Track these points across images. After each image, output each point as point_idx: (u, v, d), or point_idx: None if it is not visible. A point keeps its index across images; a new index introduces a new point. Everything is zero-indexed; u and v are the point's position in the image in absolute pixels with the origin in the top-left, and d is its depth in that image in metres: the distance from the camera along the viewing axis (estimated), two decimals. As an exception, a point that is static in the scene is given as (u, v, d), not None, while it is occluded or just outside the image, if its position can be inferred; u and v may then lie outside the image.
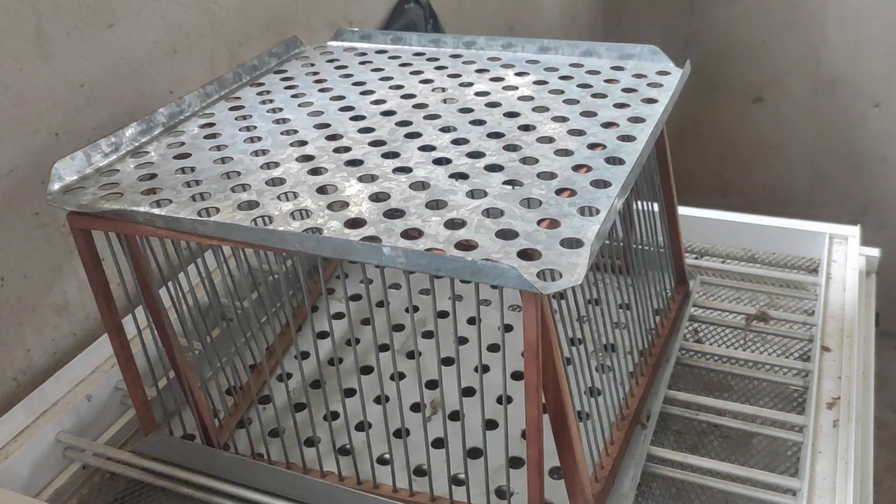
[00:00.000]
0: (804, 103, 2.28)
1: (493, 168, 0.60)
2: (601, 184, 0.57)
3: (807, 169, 2.36)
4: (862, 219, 2.25)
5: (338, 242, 0.51)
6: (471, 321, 0.83)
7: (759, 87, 2.32)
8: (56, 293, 0.79)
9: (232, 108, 0.73)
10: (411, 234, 0.52)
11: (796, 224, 0.95)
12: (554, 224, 0.53)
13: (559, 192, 0.56)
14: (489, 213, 0.54)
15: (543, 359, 0.53)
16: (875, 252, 0.90)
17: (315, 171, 0.61)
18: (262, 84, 0.78)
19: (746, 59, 2.29)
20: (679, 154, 2.48)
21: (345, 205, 0.56)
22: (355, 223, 0.54)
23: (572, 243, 0.50)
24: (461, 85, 0.75)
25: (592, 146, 0.62)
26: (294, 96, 0.75)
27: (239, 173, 0.61)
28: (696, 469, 0.67)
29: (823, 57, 2.21)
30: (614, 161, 0.60)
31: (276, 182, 0.60)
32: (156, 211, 0.56)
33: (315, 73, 0.80)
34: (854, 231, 0.91)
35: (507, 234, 0.52)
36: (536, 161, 0.60)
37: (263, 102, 0.74)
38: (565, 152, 0.62)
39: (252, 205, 0.57)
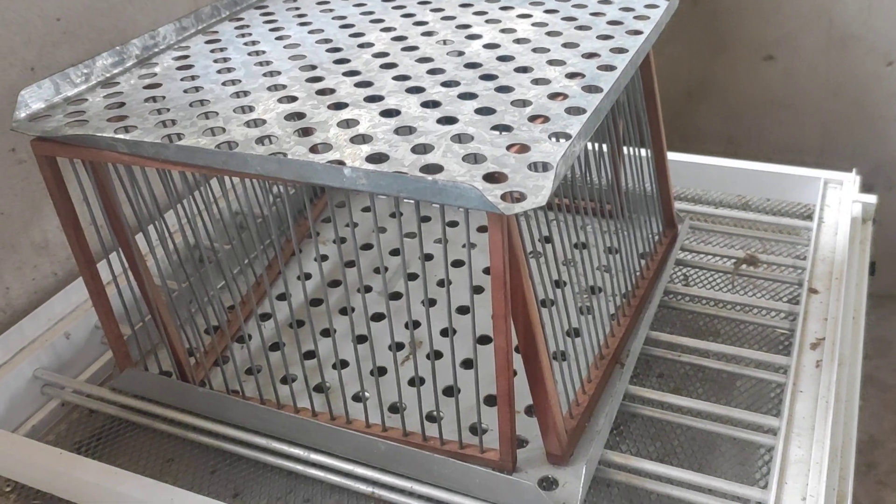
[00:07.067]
0: (815, 62, 2.23)
1: (467, 96, 0.58)
2: (575, 111, 0.55)
3: (817, 128, 2.32)
4: (873, 179, 2.22)
5: (299, 164, 0.49)
6: (455, 264, 0.82)
7: (770, 45, 2.28)
8: (35, 231, 0.78)
9: (208, 42, 0.71)
10: (377, 158, 0.51)
11: (791, 170, 0.93)
12: (524, 149, 0.51)
13: (532, 118, 0.55)
14: (459, 138, 0.53)
15: (512, 287, 0.51)
16: (871, 199, 0.88)
17: (285, 100, 0.60)
18: (241, 19, 0.76)
19: (757, 16, 2.24)
20: (687, 113, 2.44)
21: (312, 131, 0.55)
22: (321, 148, 0.53)
23: (540, 167, 0.49)
24: (443, 19, 0.73)
25: (571, 75, 0.60)
26: (273, 30, 0.73)
27: (208, 101, 0.60)
28: (676, 409, 0.66)
29: (836, 14, 2.16)
30: (592, 89, 0.58)
31: (244, 110, 0.58)
32: (119, 136, 0.55)
33: (297, 9, 0.78)
34: (849, 177, 0.89)
35: (475, 159, 0.50)
36: (512, 90, 0.59)
37: (241, 36, 0.72)
38: (543, 81, 0.60)
39: (218, 131, 0.56)
